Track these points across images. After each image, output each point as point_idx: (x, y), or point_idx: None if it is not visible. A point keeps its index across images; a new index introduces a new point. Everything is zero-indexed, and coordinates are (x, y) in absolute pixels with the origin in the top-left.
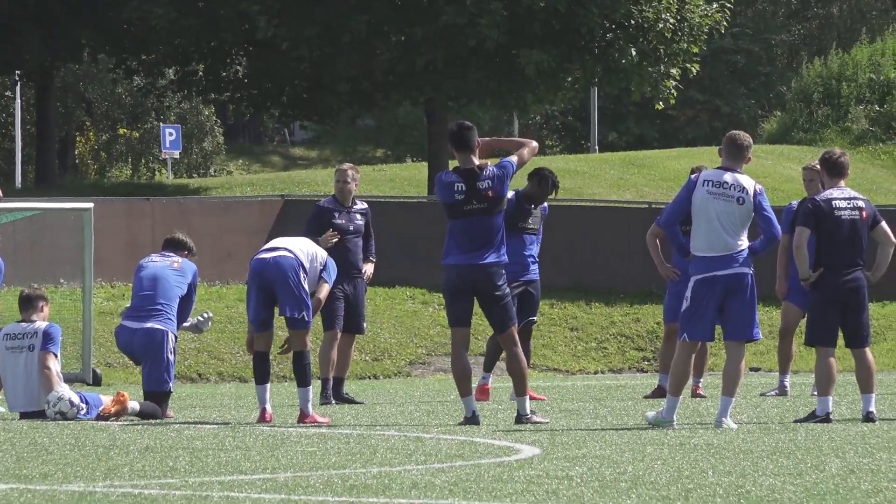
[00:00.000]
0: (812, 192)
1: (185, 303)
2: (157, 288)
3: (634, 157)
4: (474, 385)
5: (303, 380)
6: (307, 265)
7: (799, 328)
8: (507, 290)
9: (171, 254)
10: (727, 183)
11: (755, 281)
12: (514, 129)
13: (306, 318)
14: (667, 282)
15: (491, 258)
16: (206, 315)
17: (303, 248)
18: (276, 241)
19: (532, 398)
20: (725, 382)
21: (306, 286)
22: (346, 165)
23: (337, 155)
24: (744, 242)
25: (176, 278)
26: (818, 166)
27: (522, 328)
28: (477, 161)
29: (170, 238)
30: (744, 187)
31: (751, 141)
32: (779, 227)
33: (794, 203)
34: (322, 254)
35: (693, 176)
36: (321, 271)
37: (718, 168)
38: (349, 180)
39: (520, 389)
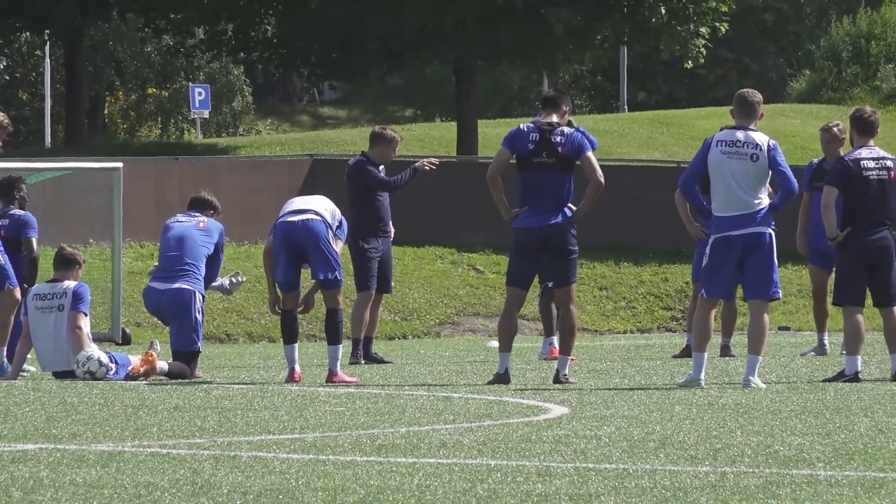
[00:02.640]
0: (830, 153)
1: (213, 262)
2: (183, 248)
3: (663, 117)
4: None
5: (334, 338)
6: (332, 225)
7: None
8: (577, 247)
9: (197, 213)
10: (740, 141)
11: (775, 239)
12: (543, 89)
13: (339, 278)
14: (695, 241)
15: (560, 217)
16: (237, 279)
17: (326, 208)
18: (299, 202)
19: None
20: (751, 341)
21: (336, 246)
22: (398, 133)
23: (366, 114)
24: (762, 200)
25: (202, 238)
26: (835, 129)
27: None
28: (557, 119)
29: (195, 197)
30: (757, 144)
31: (760, 97)
32: (795, 181)
33: (816, 161)
34: (338, 212)
35: (707, 138)
36: (336, 229)
37: (731, 128)
38: (397, 149)
39: (566, 348)
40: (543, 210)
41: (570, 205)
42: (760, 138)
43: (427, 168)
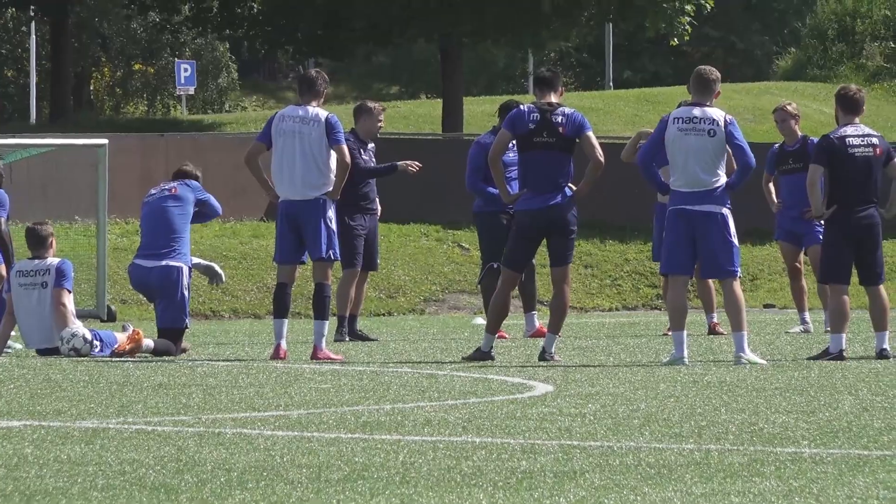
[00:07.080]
0: (785, 133)
1: (202, 216)
2: (160, 224)
3: (649, 94)
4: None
5: (321, 313)
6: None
7: (807, 266)
8: (576, 227)
9: (171, 181)
10: (696, 117)
11: (732, 218)
12: (528, 66)
13: (333, 256)
14: (653, 219)
15: (561, 197)
16: (217, 273)
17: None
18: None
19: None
20: (731, 319)
21: (333, 223)
22: (379, 104)
23: (352, 92)
24: (719, 178)
25: (176, 207)
26: (788, 107)
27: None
28: (555, 99)
29: (177, 170)
30: (714, 119)
31: (718, 75)
32: (752, 156)
33: (776, 146)
34: (332, 118)
35: (664, 115)
36: (331, 142)
37: (688, 104)
38: (382, 119)
39: (555, 327)
40: (544, 191)
41: (570, 185)
42: (717, 114)
43: (410, 171)
